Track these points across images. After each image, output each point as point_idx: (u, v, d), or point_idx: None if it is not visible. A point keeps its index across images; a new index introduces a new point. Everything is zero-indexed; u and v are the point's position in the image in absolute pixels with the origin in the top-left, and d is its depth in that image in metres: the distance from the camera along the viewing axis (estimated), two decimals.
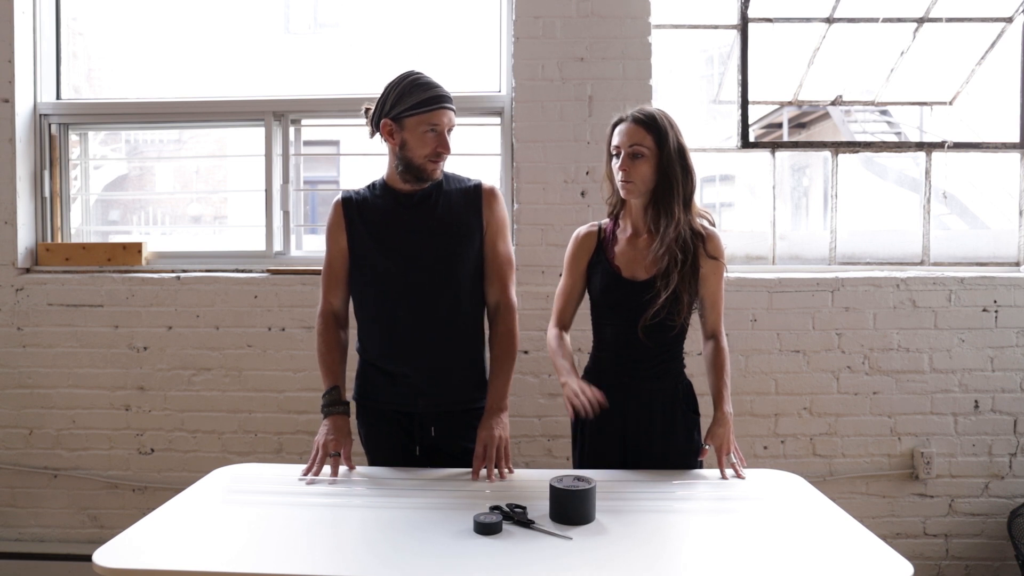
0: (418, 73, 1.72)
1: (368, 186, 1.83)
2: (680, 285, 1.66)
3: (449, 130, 1.71)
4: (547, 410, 2.54)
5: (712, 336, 1.79)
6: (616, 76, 2.52)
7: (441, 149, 1.69)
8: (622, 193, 1.71)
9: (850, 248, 2.73)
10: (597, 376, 1.78)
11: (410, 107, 1.67)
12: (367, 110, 1.77)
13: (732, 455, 1.67)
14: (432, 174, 1.73)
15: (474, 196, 1.78)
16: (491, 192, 1.80)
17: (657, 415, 1.73)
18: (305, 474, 1.65)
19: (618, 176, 1.69)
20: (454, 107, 1.71)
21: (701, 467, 1.75)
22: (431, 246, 1.74)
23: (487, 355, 1.83)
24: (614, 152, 1.71)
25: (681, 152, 1.68)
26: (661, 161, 1.67)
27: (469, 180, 1.83)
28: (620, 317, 1.73)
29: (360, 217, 1.77)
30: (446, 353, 1.76)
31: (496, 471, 1.64)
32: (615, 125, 1.73)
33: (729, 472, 1.66)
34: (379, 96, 1.72)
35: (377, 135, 1.75)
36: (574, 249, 1.82)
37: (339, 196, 1.82)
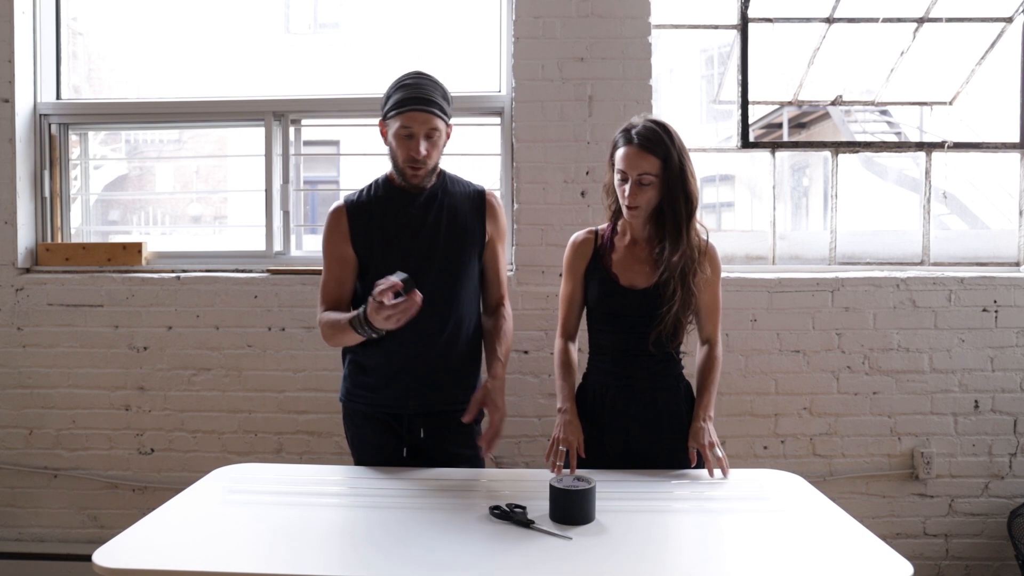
0: (413, 74, 1.68)
1: (368, 185, 1.80)
2: (681, 304, 1.66)
3: (428, 135, 1.65)
4: (547, 410, 2.54)
5: (707, 342, 1.78)
6: (616, 76, 2.52)
7: (413, 153, 1.64)
8: (626, 216, 1.70)
9: (850, 248, 2.73)
10: (598, 378, 1.79)
11: (389, 108, 1.66)
12: None
13: (718, 448, 1.64)
14: (411, 179, 1.70)
15: (478, 202, 1.79)
16: (495, 200, 1.81)
17: (663, 413, 1.74)
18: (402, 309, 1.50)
19: (624, 201, 1.67)
20: (434, 109, 1.64)
21: (701, 466, 1.75)
22: (439, 246, 1.73)
23: (479, 359, 1.84)
24: (619, 176, 1.67)
25: (683, 173, 1.64)
26: (666, 183, 1.64)
27: (471, 184, 1.82)
28: (618, 324, 1.73)
29: (365, 219, 1.74)
30: (443, 355, 1.75)
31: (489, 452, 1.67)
32: (619, 144, 1.67)
33: (717, 473, 1.63)
34: None
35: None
36: (571, 255, 1.81)
37: (339, 202, 1.76)
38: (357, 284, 1.78)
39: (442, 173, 1.80)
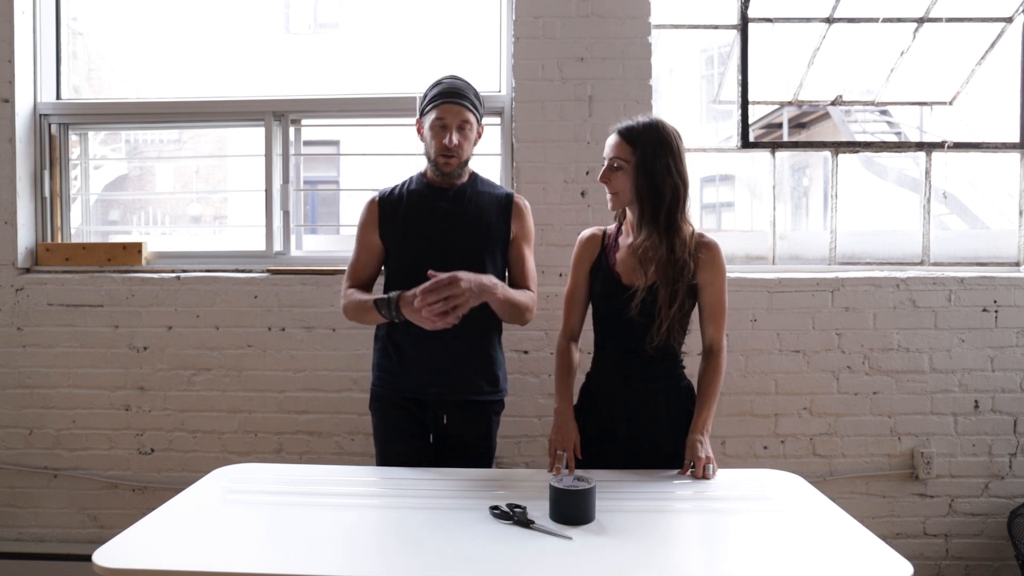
0: (448, 76, 1.85)
1: (404, 180, 1.92)
2: (662, 303, 1.66)
3: (460, 126, 1.78)
4: (547, 410, 2.54)
5: (710, 349, 1.77)
6: (616, 76, 2.52)
7: (446, 142, 1.77)
8: (608, 202, 1.75)
9: (850, 248, 2.73)
10: (601, 377, 1.80)
11: (425, 104, 1.82)
12: None
13: (711, 465, 1.64)
14: (444, 167, 1.81)
15: (505, 204, 1.88)
16: (522, 203, 1.91)
17: (664, 412, 1.74)
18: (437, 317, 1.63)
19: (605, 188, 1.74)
20: (466, 103, 1.79)
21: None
22: (460, 238, 1.81)
23: (501, 354, 1.92)
24: (603, 163, 1.75)
25: (653, 166, 1.66)
26: (635, 174, 1.68)
27: (501, 188, 1.93)
28: (620, 323, 1.74)
29: (394, 210, 1.85)
30: (464, 345, 1.81)
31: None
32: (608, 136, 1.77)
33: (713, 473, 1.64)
34: None
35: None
36: (577, 252, 1.84)
37: (375, 195, 1.90)
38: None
39: (473, 174, 1.91)
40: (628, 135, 1.70)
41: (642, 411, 1.74)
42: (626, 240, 1.78)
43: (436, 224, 1.82)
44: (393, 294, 1.70)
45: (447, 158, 1.79)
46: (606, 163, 1.73)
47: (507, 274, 1.92)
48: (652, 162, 1.67)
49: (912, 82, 2.97)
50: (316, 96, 2.73)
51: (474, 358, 1.83)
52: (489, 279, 1.70)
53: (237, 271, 2.65)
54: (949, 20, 2.73)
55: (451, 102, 1.77)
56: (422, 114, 1.84)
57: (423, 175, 1.90)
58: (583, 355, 1.87)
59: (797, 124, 6.72)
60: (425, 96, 1.84)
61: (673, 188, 1.67)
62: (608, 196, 1.75)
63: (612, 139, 1.73)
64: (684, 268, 1.68)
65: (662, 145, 1.68)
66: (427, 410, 1.83)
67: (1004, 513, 2.56)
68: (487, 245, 1.83)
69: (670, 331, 1.69)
